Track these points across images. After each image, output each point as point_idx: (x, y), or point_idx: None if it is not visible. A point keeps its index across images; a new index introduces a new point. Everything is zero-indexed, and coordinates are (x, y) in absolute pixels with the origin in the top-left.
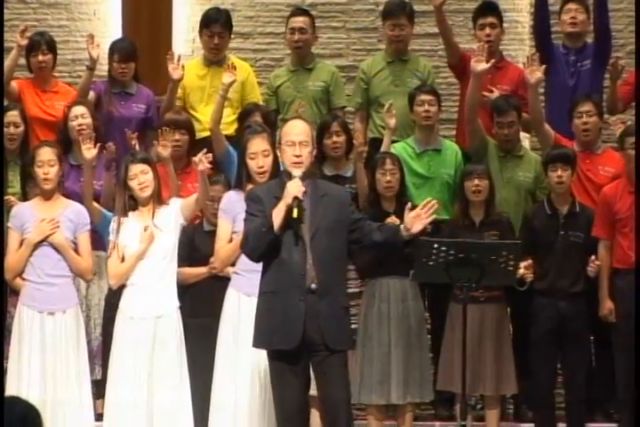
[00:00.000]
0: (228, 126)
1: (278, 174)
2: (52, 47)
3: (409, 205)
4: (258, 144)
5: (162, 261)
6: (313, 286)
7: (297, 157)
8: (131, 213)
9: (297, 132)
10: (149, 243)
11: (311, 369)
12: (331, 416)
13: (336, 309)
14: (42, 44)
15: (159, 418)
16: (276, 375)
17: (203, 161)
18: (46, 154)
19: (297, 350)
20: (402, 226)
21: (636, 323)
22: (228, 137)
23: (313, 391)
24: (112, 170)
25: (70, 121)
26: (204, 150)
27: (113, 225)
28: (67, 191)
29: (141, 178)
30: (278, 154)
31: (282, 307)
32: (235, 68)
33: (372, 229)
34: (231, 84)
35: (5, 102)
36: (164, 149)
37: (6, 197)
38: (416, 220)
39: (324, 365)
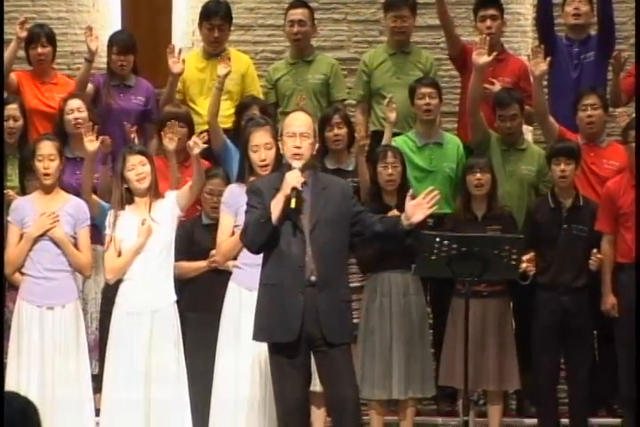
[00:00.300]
0: (228, 119)
1: (280, 167)
2: (51, 39)
3: (410, 191)
4: (260, 137)
5: (159, 254)
6: (312, 278)
7: (297, 148)
8: (127, 207)
9: (298, 123)
10: (147, 237)
11: (313, 365)
12: (337, 414)
13: (336, 302)
14: (41, 36)
15: (156, 413)
16: (275, 369)
17: (198, 143)
18: (47, 148)
19: (296, 343)
20: (402, 215)
21: (637, 318)
22: (227, 130)
23: (315, 388)
24: (108, 163)
25: (66, 114)
26: (198, 132)
27: (109, 219)
28: (63, 184)
29: (139, 169)
30: (280, 146)
31: (281, 299)
32: (229, 58)
33: (373, 221)
34: (226, 75)
35: (4, 95)
36: (170, 141)
37: (5, 191)
38: (417, 209)
39: (326, 360)
